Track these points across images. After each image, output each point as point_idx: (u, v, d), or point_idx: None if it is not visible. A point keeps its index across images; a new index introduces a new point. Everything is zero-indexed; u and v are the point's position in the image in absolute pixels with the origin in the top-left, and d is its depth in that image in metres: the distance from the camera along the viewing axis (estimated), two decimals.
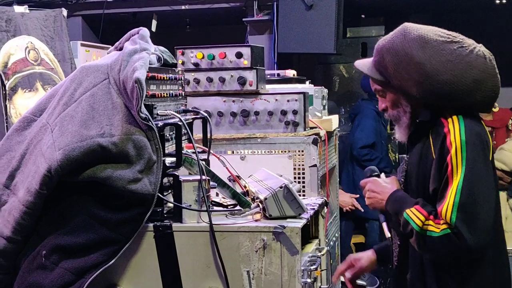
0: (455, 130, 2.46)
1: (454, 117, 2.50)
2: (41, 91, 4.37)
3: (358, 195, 6.03)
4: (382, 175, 2.74)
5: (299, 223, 2.50)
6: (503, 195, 6.12)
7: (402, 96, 2.61)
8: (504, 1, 7.27)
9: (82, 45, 5.41)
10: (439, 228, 2.40)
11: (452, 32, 2.59)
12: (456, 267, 2.51)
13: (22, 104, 4.22)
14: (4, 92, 4.18)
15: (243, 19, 6.84)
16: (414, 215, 2.46)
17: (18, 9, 4.75)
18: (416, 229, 2.44)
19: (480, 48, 2.56)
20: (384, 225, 2.68)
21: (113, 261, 2.41)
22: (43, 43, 4.72)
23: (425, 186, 2.55)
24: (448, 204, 2.39)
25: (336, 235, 3.93)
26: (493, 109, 6.66)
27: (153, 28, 6.88)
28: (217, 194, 2.85)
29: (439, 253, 2.44)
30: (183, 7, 6.96)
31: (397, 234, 2.68)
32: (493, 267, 2.57)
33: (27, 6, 4.94)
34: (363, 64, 2.74)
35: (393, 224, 2.65)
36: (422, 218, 2.44)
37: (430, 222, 2.42)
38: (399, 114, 2.65)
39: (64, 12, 5.13)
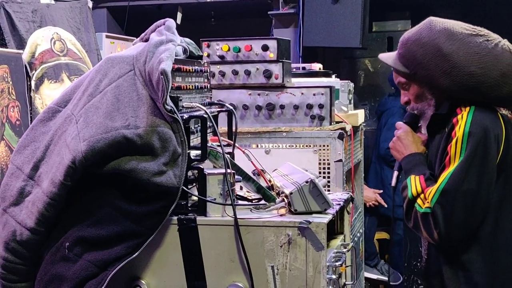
0: (462, 121, 2.49)
1: (467, 108, 2.52)
2: (67, 81, 4.37)
3: (381, 191, 5.98)
4: (423, 129, 2.75)
5: (325, 219, 2.46)
6: None
7: (427, 89, 2.64)
8: None
9: (107, 37, 5.42)
10: (423, 205, 2.49)
11: (477, 26, 2.62)
12: (475, 264, 2.50)
13: (48, 94, 4.22)
14: (29, 83, 4.18)
15: (269, 12, 6.79)
16: (414, 183, 2.56)
17: (44, 0, 4.75)
18: (409, 196, 2.55)
19: (505, 42, 2.58)
20: (395, 173, 2.81)
21: (136, 254, 2.39)
22: (70, 33, 4.72)
23: None
24: (434, 188, 2.47)
25: (361, 231, 3.89)
26: None
27: (178, 21, 6.87)
28: (241, 188, 2.83)
29: (418, 228, 2.52)
30: (208, 0, 6.93)
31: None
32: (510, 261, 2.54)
33: None
34: (388, 56, 2.79)
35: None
36: (419, 189, 2.53)
37: (421, 196, 2.52)
38: (423, 108, 2.69)
39: (90, 3, 5.13)
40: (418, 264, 5.34)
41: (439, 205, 2.44)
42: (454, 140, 2.47)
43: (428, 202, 2.47)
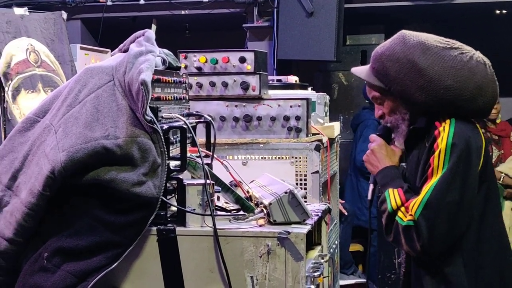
0: (444, 133, 2.47)
1: (447, 121, 2.51)
2: (42, 93, 4.35)
3: (343, 201, 6.02)
4: (396, 142, 2.72)
5: (304, 229, 2.48)
6: (508, 204, 6.11)
7: (401, 103, 2.61)
8: (504, 11, 7.29)
9: (81, 48, 5.39)
10: (405, 218, 2.45)
11: (450, 39, 2.61)
12: (455, 275, 2.51)
13: (25, 105, 4.19)
14: (2, 94, 4.15)
15: (243, 25, 6.83)
16: (393, 196, 2.52)
17: (18, 11, 4.72)
18: (389, 209, 2.51)
19: (479, 54, 2.57)
20: (371, 186, 2.76)
21: (115, 264, 2.39)
22: (44, 45, 4.70)
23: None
24: (417, 200, 2.44)
25: (336, 242, 3.91)
26: (496, 121, 6.69)
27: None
28: (218, 199, 2.83)
29: (399, 241, 2.49)
30: (183, 12, 6.94)
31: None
32: (494, 274, 2.55)
33: (26, 8, 4.91)
34: (361, 70, 2.75)
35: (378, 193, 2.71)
36: (399, 202, 2.50)
37: (402, 209, 2.48)
38: (397, 122, 2.66)
39: (64, 15, 5.11)
40: (392, 276, 5.37)
41: (423, 217, 2.41)
42: (437, 152, 2.45)
43: (410, 214, 2.44)
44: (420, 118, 2.61)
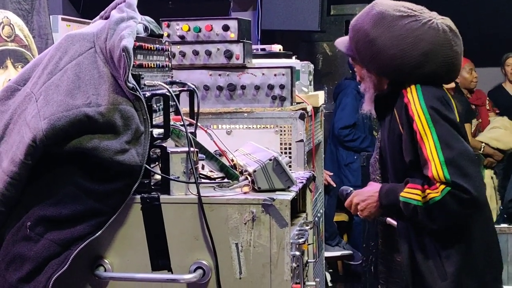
0: (413, 98, 2.55)
1: (412, 87, 2.59)
2: (11, 68, 4.25)
3: (332, 173, 6.03)
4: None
5: (289, 196, 2.47)
6: (488, 173, 6.17)
7: (365, 71, 2.77)
8: None
9: (63, 19, 5.30)
10: (438, 192, 2.42)
11: (415, 6, 2.67)
12: (444, 239, 2.53)
13: None
14: None
15: None
16: (410, 193, 2.49)
17: None
18: (418, 204, 2.46)
19: (438, 20, 2.62)
20: (392, 221, 2.78)
21: (99, 232, 2.37)
22: (20, 18, 4.60)
23: (396, 158, 2.64)
24: (435, 165, 2.43)
25: (321, 211, 3.92)
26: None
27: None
28: (203, 167, 2.82)
29: (448, 215, 2.45)
30: None
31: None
32: (480, 241, 2.59)
33: None
34: (342, 41, 2.91)
35: (395, 215, 2.70)
36: (419, 192, 2.47)
37: (428, 191, 2.45)
38: (368, 87, 2.80)
39: None
40: (378, 244, 5.40)
41: (454, 174, 2.39)
42: (416, 118, 2.50)
43: (443, 183, 2.40)
44: (384, 84, 2.73)
